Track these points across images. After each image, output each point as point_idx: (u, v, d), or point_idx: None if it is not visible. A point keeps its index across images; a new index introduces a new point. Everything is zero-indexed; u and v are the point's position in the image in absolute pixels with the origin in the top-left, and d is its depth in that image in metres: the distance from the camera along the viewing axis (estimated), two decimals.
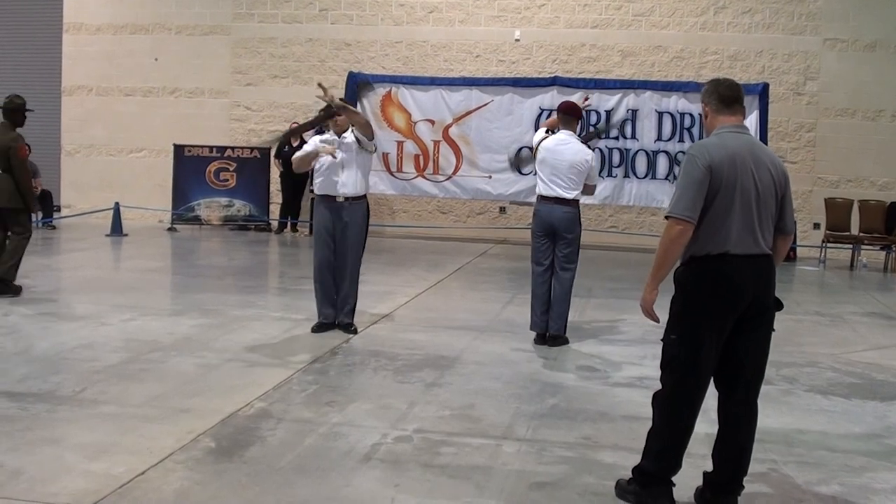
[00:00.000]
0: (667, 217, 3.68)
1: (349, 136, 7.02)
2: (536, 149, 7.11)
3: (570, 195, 6.90)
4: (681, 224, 3.61)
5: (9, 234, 8.38)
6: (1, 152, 8.26)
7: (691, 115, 13.20)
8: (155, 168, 15.96)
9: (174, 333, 6.90)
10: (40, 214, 14.55)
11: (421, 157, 14.10)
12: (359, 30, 15.66)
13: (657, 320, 3.80)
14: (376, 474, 4.09)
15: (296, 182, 14.50)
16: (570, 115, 7.11)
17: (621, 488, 3.89)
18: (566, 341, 7.02)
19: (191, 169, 15.06)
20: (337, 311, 7.16)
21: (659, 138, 13.49)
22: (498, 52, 15.33)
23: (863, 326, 8.48)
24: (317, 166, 7.08)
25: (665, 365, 3.79)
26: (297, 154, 7.24)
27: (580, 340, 7.17)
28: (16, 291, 8.27)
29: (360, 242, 7.14)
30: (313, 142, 7.15)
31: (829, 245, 13.52)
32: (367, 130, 6.99)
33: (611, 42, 15.06)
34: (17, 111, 8.45)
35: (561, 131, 7.10)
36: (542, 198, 6.99)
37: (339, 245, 7.07)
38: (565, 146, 6.95)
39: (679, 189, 3.66)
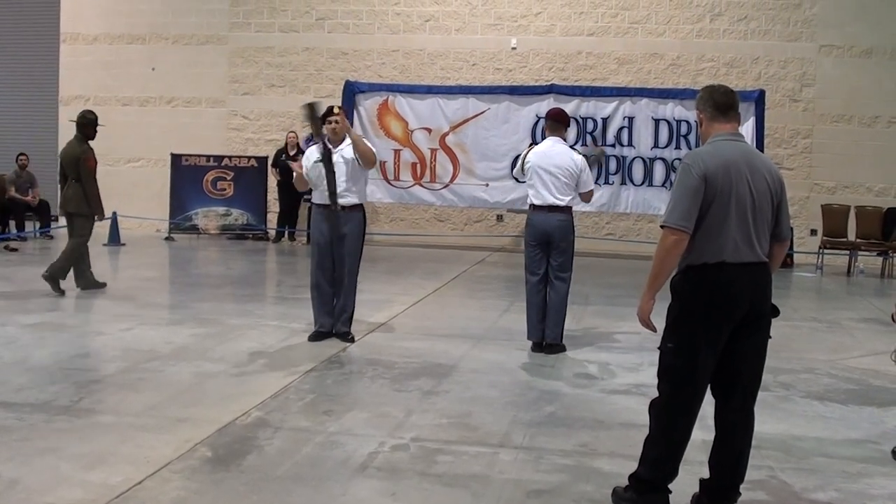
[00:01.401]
0: (662, 226, 3.69)
1: (349, 150, 7.02)
2: (523, 162, 7.11)
3: (562, 202, 6.89)
4: (676, 234, 3.62)
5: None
6: (73, 162, 8.98)
7: (688, 122, 13.24)
8: (152, 177, 15.96)
9: (172, 343, 6.90)
10: (36, 224, 14.58)
11: (418, 166, 14.13)
12: (356, 39, 15.69)
13: (654, 330, 3.80)
14: (373, 483, 4.09)
15: (293, 191, 14.43)
16: (557, 122, 7.12)
17: (618, 496, 3.89)
18: (563, 349, 7.02)
19: (188, 178, 15.06)
20: (334, 320, 7.16)
21: (655, 145, 13.53)
22: (494, 61, 15.36)
23: (860, 332, 8.48)
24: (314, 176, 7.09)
25: (662, 373, 3.79)
26: (295, 180, 7.36)
27: (577, 348, 7.17)
28: (61, 292, 8.74)
29: (357, 251, 7.14)
30: (308, 156, 7.17)
31: (825, 251, 13.54)
32: (367, 159, 7.00)
33: (607, 50, 15.10)
34: (88, 125, 9.12)
35: (548, 138, 7.12)
36: (534, 207, 6.98)
37: (335, 254, 7.08)
38: (553, 151, 6.95)
39: (674, 198, 3.67)
